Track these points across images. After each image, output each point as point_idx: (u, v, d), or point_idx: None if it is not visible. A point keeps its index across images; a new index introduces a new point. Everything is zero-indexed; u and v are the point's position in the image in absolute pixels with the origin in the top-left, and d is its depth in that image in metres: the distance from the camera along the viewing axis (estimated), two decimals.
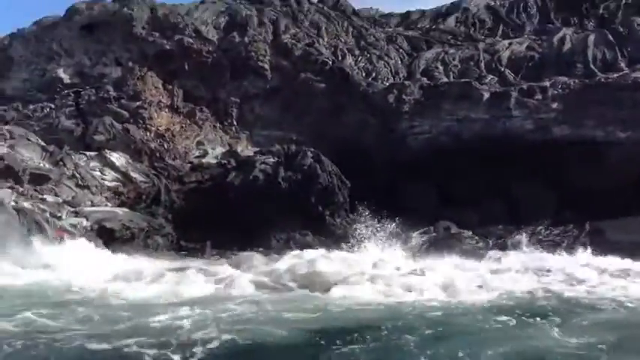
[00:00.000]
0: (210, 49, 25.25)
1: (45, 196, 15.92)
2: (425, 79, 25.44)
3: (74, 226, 15.09)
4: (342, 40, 27.40)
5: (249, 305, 11.23)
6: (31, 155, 18.54)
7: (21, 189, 15.39)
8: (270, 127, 25.78)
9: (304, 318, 10.47)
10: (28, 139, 20.02)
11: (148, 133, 23.31)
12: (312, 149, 21.56)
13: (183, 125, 24.60)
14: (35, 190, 15.69)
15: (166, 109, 24.60)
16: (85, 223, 15.45)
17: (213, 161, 23.58)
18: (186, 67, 25.12)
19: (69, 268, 12.83)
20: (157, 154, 22.61)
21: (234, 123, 25.47)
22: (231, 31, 25.88)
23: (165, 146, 23.18)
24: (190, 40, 24.93)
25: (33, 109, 23.80)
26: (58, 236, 14.16)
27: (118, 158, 20.32)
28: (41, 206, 14.91)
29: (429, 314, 10.86)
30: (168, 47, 24.95)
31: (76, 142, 22.11)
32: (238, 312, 10.74)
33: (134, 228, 16.70)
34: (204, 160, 23.61)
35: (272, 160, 22.00)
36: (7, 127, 20.61)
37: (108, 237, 15.26)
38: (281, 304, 11.36)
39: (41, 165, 18.07)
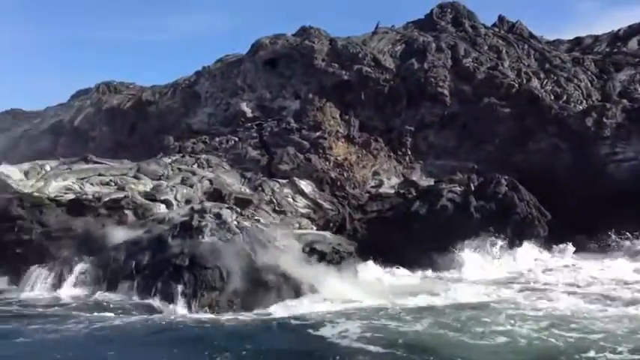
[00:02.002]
0: (388, 77, 24.88)
1: (259, 218, 16.11)
2: (625, 100, 22.99)
3: (287, 247, 14.98)
4: (525, 63, 25.78)
5: None
6: (232, 181, 19.06)
7: (238, 209, 15.69)
8: (446, 156, 24.67)
9: None
10: (223, 167, 20.68)
11: (328, 163, 23.20)
12: (506, 177, 20.01)
13: (359, 155, 24.25)
14: (241, 214, 15.92)
15: (343, 139, 24.44)
16: (297, 244, 15.31)
17: (391, 191, 22.89)
18: (363, 96, 24.91)
19: None
20: (338, 183, 22.30)
21: (408, 152, 24.71)
22: (409, 59, 25.37)
23: (345, 175, 22.87)
24: (369, 69, 24.75)
25: (219, 141, 24.76)
26: (280, 255, 14.07)
27: (305, 186, 20.28)
28: (259, 226, 15.02)
29: None
30: (346, 77, 24.96)
31: (262, 171, 22.52)
32: None
33: (343, 252, 16.26)
34: (381, 190, 23.03)
35: (459, 189, 20.79)
36: (204, 156, 21.48)
37: (318, 259, 14.98)
38: None
39: (242, 189, 18.45)
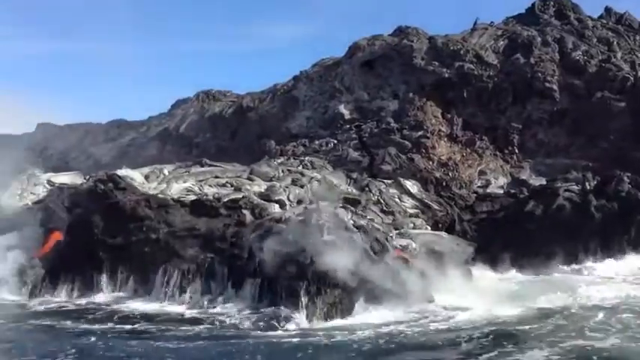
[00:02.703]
0: (491, 73, 24.15)
1: (372, 217, 16.03)
2: None
3: (404, 247, 14.82)
4: (639, 54, 24.25)
5: None
6: (338, 182, 19.11)
7: (352, 209, 15.71)
8: (556, 154, 23.61)
9: None
10: (327, 169, 20.79)
11: (431, 163, 22.78)
12: (629, 174, 18.87)
13: (464, 154, 23.65)
14: (355, 213, 15.88)
15: (445, 139, 23.94)
16: (413, 245, 15.09)
17: (499, 191, 22.13)
18: (465, 94, 24.30)
19: None
20: (443, 183, 21.86)
21: (515, 151, 23.83)
22: (512, 54, 24.51)
23: (450, 175, 22.37)
24: (471, 66, 24.13)
25: (319, 143, 24.89)
26: (398, 256, 13.95)
27: (411, 186, 20.00)
28: (376, 226, 14.95)
29: None
30: (447, 75, 24.45)
31: (363, 172, 22.41)
32: None
33: (463, 253, 15.88)
34: (488, 190, 22.30)
35: (576, 187, 19.81)
36: (307, 158, 21.69)
37: (436, 260, 14.66)
38: None
39: (349, 190, 18.45)
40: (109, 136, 37.98)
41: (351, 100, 26.25)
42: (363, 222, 14.70)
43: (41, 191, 18.00)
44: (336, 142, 24.85)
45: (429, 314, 12.77)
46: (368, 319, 12.57)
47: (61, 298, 14.82)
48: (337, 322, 12.64)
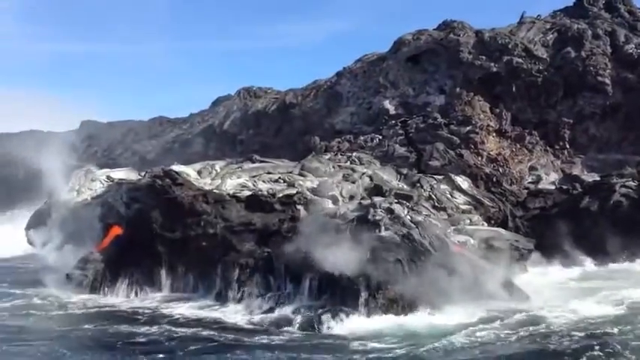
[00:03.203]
0: (541, 67, 23.68)
1: (428, 213, 15.88)
2: None
3: (463, 243, 14.66)
4: None
5: None
6: (388, 177, 19.01)
7: (408, 204, 15.59)
8: (609, 149, 23.08)
9: None
10: (375, 165, 20.69)
11: (481, 158, 22.47)
12: None
13: (513, 150, 23.28)
14: (412, 209, 15.75)
15: (494, 134, 23.58)
16: (472, 241, 14.92)
17: (551, 187, 21.71)
18: (514, 88, 23.89)
19: None
20: (493, 179, 21.53)
21: (567, 146, 23.36)
22: (562, 47, 24.00)
23: (500, 171, 22.04)
24: (520, 60, 23.70)
25: (364, 139, 24.76)
26: (457, 251, 13.81)
27: (462, 182, 19.75)
28: (433, 221, 14.82)
29: None
30: (495, 70, 24.06)
31: (411, 168, 22.23)
32: None
33: (523, 249, 15.66)
34: (540, 186, 21.90)
35: (632, 183, 19.33)
36: (355, 153, 21.63)
37: (494, 256, 14.46)
38: None
39: (400, 186, 18.33)
40: (152, 132, 38.74)
41: (395, 95, 26.04)
42: (419, 218, 14.55)
43: (98, 187, 18.35)
44: (381, 137, 24.70)
45: (503, 313, 12.54)
46: (431, 319, 12.47)
47: (121, 294, 15.06)
48: (398, 319, 12.56)
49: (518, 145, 23.38)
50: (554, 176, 22.53)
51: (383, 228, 14.00)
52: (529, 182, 22.12)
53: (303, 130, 27.69)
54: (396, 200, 15.35)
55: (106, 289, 15.23)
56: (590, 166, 22.76)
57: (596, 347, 10.10)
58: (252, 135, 29.73)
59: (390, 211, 14.62)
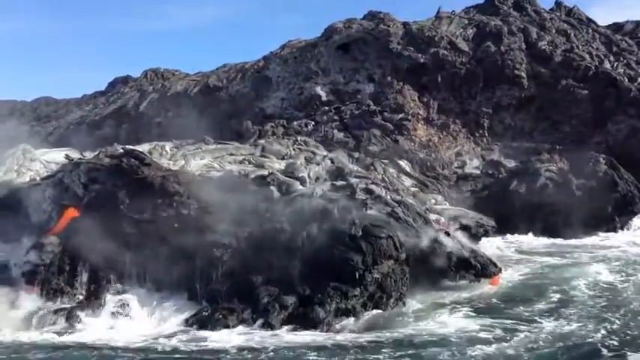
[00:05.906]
0: (464, 59, 25.33)
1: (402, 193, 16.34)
2: None
3: (436, 221, 15.33)
4: (594, 46, 26.50)
5: None
6: (344, 161, 19.28)
7: (385, 185, 15.92)
8: (522, 138, 25.31)
9: None
10: (320, 149, 20.90)
11: (414, 144, 23.62)
12: (604, 155, 20.72)
13: (440, 137, 24.73)
14: (387, 189, 16.17)
15: (422, 122, 24.88)
16: (442, 219, 15.66)
17: (476, 171, 23.39)
18: (439, 79, 25.32)
19: None
20: (427, 164, 22.75)
21: (486, 134, 25.27)
22: (481, 42, 25.86)
23: (433, 156, 23.31)
24: (445, 52, 25.16)
25: (298, 124, 24.88)
26: (439, 228, 14.40)
27: (405, 165, 20.65)
28: (410, 201, 15.27)
29: None
30: (422, 60, 25.32)
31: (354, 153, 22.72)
32: None
33: (487, 225, 16.70)
34: (466, 171, 23.50)
35: (554, 167, 21.44)
36: (301, 137, 21.66)
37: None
38: None
39: (356, 169, 18.70)
40: (39, 113, 35.80)
41: (327, 82, 26.43)
42: (398, 197, 15.05)
43: (39, 167, 16.61)
44: (314, 123, 24.99)
45: None
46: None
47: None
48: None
49: (444, 133, 24.87)
50: (476, 162, 24.23)
51: (369, 207, 14.26)
52: (456, 167, 23.62)
53: (230, 113, 27.09)
54: (371, 181, 15.69)
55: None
56: (506, 153, 24.76)
57: None
58: (170, 117, 28.44)
59: (369, 191, 14.95)
